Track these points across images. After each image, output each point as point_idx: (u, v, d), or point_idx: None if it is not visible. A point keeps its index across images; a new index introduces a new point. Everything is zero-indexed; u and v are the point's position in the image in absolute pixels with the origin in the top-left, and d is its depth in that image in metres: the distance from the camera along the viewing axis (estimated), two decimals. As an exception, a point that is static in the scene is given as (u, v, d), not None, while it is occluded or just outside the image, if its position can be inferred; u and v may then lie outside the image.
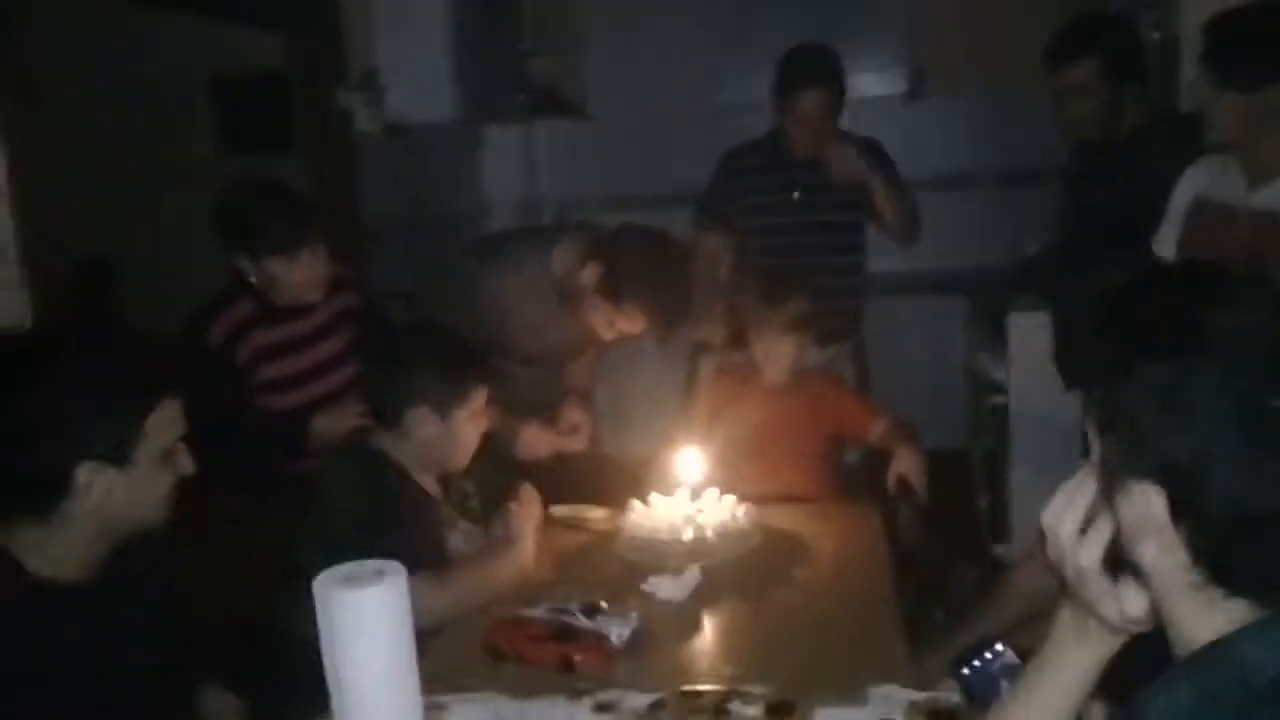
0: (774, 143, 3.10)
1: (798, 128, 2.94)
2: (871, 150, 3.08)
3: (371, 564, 1.44)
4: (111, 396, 1.45)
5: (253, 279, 2.34)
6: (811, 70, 2.92)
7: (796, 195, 3.02)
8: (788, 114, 2.95)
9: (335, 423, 2.34)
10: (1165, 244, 2.38)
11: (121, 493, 1.45)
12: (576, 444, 2.59)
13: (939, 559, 2.72)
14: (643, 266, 2.34)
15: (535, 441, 2.52)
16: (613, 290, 2.34)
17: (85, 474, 1.42)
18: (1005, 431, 3.39)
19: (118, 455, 1.44)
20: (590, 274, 2.37)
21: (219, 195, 2.40)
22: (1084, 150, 3.13)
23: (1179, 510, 0.83)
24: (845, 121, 4.76)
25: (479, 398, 2.04)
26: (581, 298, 2.41)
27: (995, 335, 3.51)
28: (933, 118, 4.90)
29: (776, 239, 3.05)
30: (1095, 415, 0.90)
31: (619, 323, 2.39)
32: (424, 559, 1.82)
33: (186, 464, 1.53)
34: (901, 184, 3.11)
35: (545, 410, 2.60)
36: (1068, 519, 0.92)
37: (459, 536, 2.04)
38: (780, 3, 4.79)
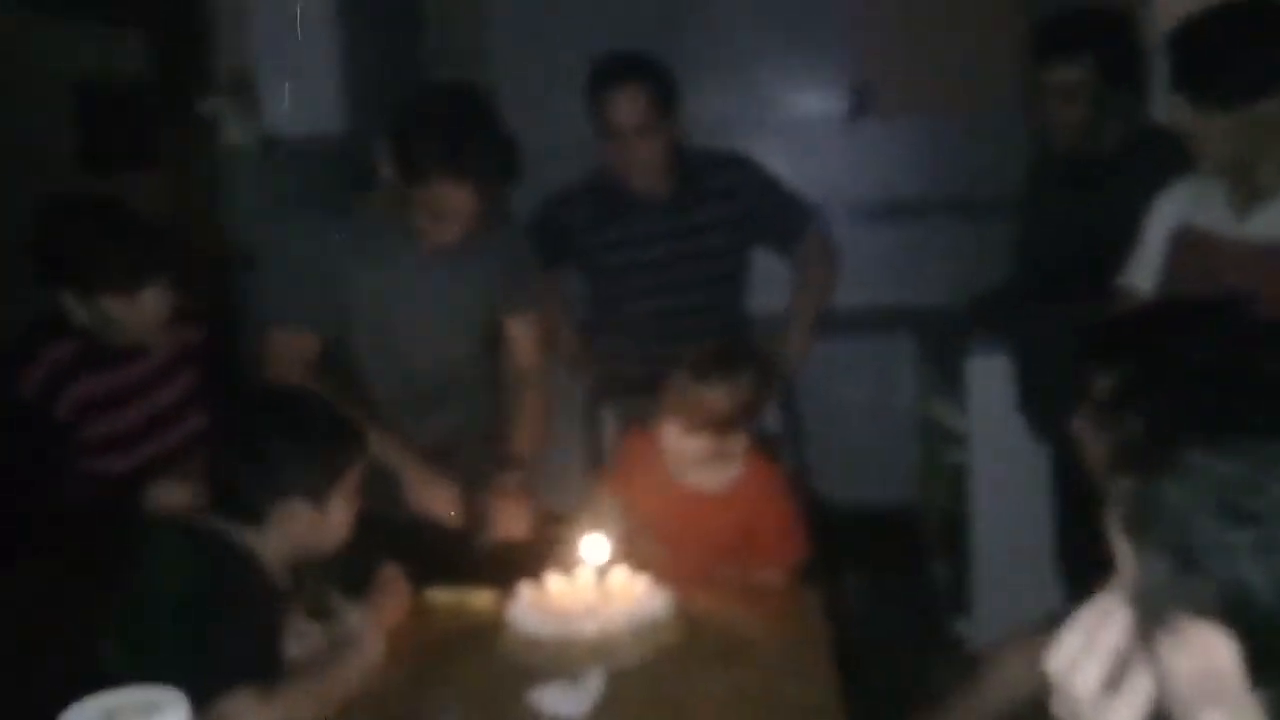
0: (604, 185, 2.79)
1: (618, 146, 2.64)
2: (734, 165, 2.85)
3: (141, 693, 1.17)
4: None
5: (80, 320, 2.11)
6: (624, 66, 2.66)
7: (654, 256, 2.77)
8: (601, 123, 2.65)
9: (173, 496, 2.09)
10: (1141, 276, 2.25)
11: None
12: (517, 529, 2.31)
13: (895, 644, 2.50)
14: (405, 116, 2.15)
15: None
16: (398, 159, 2.11)
17: None
18: (964, 489, 3.23)
19: None
20: (383, 169, 2.16)
21: (40, 218, 2.14)
22: (1054, 168, 2.96)
23: (1258, 663, 0.60)
24: (780, 142, 4.64)
25: (355, 474, 1.84)
26: (391, 199, 2.20)
27: (949, 380, 3.34)
28: (877, 140, 4.75)
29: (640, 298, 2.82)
30: (1125, 515, 0.67)
31: (428, 198, 2.12)
32: (254, 668, 1.61)
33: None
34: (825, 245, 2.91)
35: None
36: (1087, 669, 0.69)
37: (291, 639, 1.77)
38: (708, 14, 4.66)
